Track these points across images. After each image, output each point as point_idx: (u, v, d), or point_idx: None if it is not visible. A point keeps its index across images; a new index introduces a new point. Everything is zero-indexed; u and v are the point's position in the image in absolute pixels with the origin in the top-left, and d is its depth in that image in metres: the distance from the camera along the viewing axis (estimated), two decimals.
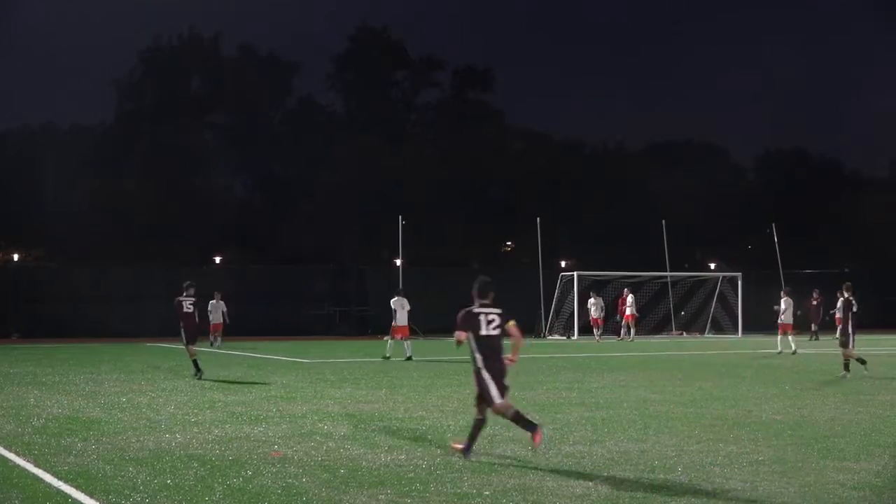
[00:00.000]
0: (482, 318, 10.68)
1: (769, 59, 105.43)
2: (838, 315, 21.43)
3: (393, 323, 28.52)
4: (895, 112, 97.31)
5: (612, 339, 40.41)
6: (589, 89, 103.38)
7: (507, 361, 10.75)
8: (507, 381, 10.67)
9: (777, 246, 45.42)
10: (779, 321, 32.39)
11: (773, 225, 46.28)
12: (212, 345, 33.82)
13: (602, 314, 40.88)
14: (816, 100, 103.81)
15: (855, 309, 21.58)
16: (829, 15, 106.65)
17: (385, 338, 28.94)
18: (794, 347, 30.74)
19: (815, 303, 40.36)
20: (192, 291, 22.05)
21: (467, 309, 10.85)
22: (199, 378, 20.58)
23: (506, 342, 10.75)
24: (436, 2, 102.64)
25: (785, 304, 32.64)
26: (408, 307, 28.62)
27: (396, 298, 28.86)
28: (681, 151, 71.90)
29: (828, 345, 36.08)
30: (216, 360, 27.40)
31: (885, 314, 49.03)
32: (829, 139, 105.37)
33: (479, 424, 10.66)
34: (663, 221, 45.49)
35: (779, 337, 31.91)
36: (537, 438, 10.39)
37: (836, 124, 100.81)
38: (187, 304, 21.97)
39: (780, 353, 30.70)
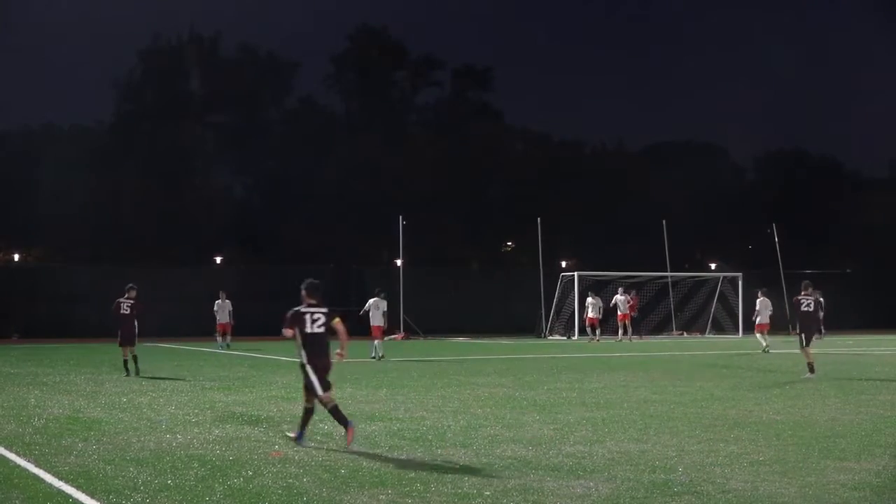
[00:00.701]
0: (308, 316, 11.63)
1: (769, 59, 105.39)
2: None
3: (371, 323, 28.77)
4: (895, 112, 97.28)
5: (611, 340, 40.40)
6: (589, 89, 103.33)
7: (337, 357, 11.76)
8: (331, 377, 11.66)
9: (777, 246, 45.46)
10: (755, 321, 33.21)
11: (774, 225, 46.31)
12: (221, 346, 33.36)
13: (600, 314, 40.80)
14: (816, 100, 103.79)
15: (817, 309, 21.71)
16: (829, 15, 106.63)
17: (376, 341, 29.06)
18: (765, 345, 31.40)
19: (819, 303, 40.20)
20: (132, 294, 22.89)
21: (295, 308, 11.77)
22: (128, 375, 21.80)
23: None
24: (435, 1, 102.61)
25: (760, 304, 33.50)
26: (384, 308, 29.00)
27: (374, 299, 29.18)
28: (681, 151, 71.90)
29: (831, 344, 36.12)
30: (216, 361, 27.42)
31: (886, 314, 49.08)
32: (829, 139, 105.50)
33: (308, 413, 11.59)
34: (664, 221, 45.50)
35: (758, 335, 32.61)
36: (349, 435, 11.26)
37: (836, 124, 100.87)
38: (124, 307, 22.86)
39: (766, 349, 31.18)
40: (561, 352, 32.28)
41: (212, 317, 35.55)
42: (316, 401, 11.49)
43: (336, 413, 11.44)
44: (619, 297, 41.35)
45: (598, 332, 40.44)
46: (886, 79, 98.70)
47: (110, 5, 74.93)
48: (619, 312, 41.43)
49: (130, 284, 23.12)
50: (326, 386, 11.48)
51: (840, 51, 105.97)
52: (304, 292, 11.88)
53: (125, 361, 22.40)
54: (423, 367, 24.85)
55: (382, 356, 27.87)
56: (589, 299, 40.96)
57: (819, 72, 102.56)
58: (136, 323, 22.99)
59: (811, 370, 20.87)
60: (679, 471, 9.77)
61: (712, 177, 67.01)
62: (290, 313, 11.71)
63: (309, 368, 11.53)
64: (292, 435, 11.65)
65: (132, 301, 22.86)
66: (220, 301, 34.86)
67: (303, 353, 11.61)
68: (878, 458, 10.49)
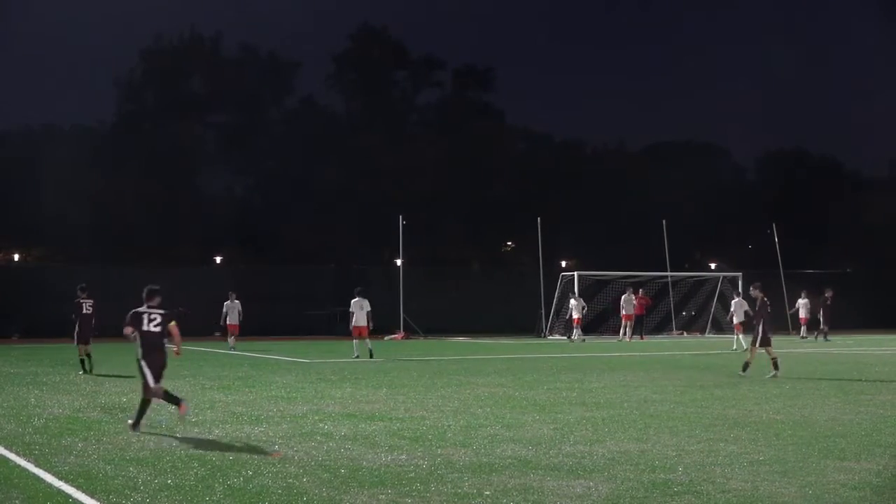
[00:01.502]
0: (145, 317, 12.87)
1: (769, 59, 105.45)
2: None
3: (352, 323, 28.70)
4: (894, 112, 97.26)
5: (592, 339, 40.56)
6: (589, 89, 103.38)
7: (174, 352, 13.16)
8: (165, 372, 13.02)
9: (777, 246, 45.44)
10: (732, 321, 34.10)
11: (774, 225, 46.30)
12: (231, 348, 32.78)
13: (582, 315, 40.63)
14: (816, 100, 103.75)
15: (769, 309, 21.77)
16: (830, 15, 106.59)
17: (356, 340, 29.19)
18: (737, 346, 32.12)
19: (828, 302, 40.17)
20: (87, 293, 23.78)
21: (135, 309, 12.98)
22: (84, 374, 22.35)
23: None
24: (436, 1, 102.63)
25: (736, 305, 34.36)
26: (368, 308, 28.88)
27: (357, 299, 29.06)
28: (681, 151, 71.84)
29: (831, 344, 36.10)
30: (216, 360, 27.42)
31: (886, 314, 49.06)
32: (829, 139, 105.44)
33: (145, 404, 12.74)
34: (664, 221, 45.49)
35: (737, 336, 33.37)
36: (182, 408, 12.85)
37: (836, 124, 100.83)
38: (87, 306, 23.71)
39: (736, 349, 31.83)
40: (561, 352, 32.28)
41: (211, 316, 35.49)
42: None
43: (168, 397, 12.87)
44: (624, 297, 41.35)
45: (579, 331, 40.15)
46: (886, 79, 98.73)
47: (111, 5, 74.96)
48: (623, 312, 41.43)
49: (83, 284, 23.60)
50: (158, 378, 12.82)
51: (840, 51, 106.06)
52: (144, 296, 13.11)
53: (82, 360, 23.15)
54: (423, 366, 24.85)
55: (372, 355, 27.79)
56: (572, 301, 40.76)
57: (819, 72, 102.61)
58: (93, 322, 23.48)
59: (744, 369, 21.02)
60: (679, 470, 9.77)
61: (712, 177, 67.03)
62: (130, 313, 12.90)
63: (143, 363, 12.81)
64: (130, 422, 12.71)
65: (92, 301, 23.71)
66: (229, 302, 34.17)
67: (139, 349, 12.86)
68: (879, 458, 10.48)
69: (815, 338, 39.52)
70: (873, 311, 49.21)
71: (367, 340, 28.55)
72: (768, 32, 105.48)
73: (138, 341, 12.72)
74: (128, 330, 12.76)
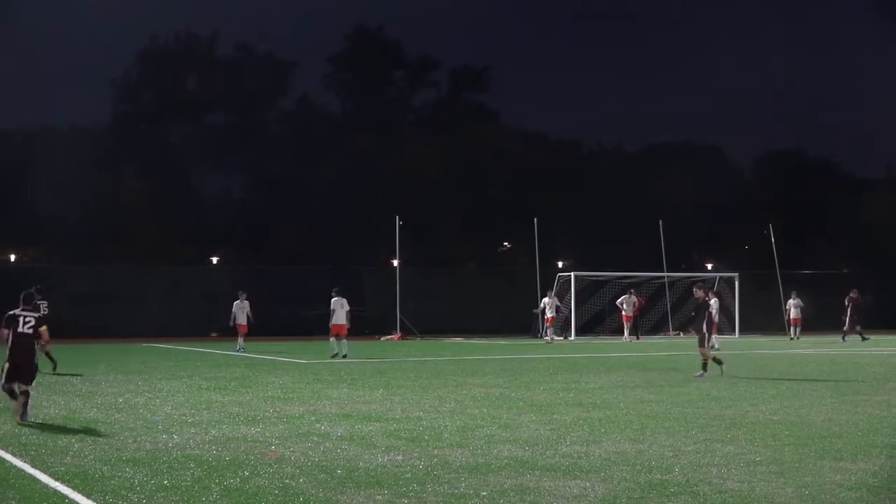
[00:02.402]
0: (21, 319, 13.87)
1: (767, 59, 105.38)
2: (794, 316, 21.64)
3: (331, 322, 28.79)
4: (891, 113, 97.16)
5: (566, 340, 40.71)
6: (586, 89, 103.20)
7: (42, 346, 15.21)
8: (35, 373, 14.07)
9: (774, 246, 45.46)
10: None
11: (771, 225, 46.32)
12: (240, 349, 31.98)
13: (554, 314, 40.32)
14: (814, 100, 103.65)
15: (711, 310, 22.06)
16: (827, 15, 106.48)
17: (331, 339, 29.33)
18: (716, 345, 31.86)
19: (853, 302, 39.32)
20: (44, 295, 22.87)
21: (11, 311, 14.01)
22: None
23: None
24: (432, 2, 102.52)
25: (713, 305, 34.18)
26: (347, 307, 28.98)
27: (336, 298, 29.14)
28: (678, 152, 71.85)
29: (826, 345, 36.14)
30: (213, 361, 27.40)
31: (883, 314, 49.07)
32: (826, 140, 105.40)
33: (25, 396, 13.58)
34: (660, 222, 45.49)
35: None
36: (19, 419, 13.43)
37: (833, 125, 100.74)
38: (43, 307, 23.46)
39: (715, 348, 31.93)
40: (557, 352, 32.29)
41: (207, 316, 35.37)
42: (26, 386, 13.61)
43: (11, 395, 13.78)
44: (625, 298, 41.31)
45: (552, 331, 39.89)
46: (884, 80, 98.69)
47: (107, 5, 74.80)
48: (623, 313, 41.41)
49: (39, 286, 21.97)
50: (10, 378, 13.62)
51: (838, 52, 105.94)
52: (20, 299, 14.26)
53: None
54: (419, 367, 24.85)
55: (346, 355, 27.93)
56: (546, 299, 40.49)
57: (816, 72, 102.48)
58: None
59: (704, 369, 21.01)
60: (675, 471, 9.78)
61: (710, 177, 66.97)
62: (6, 315, 13.97)
63: (7, 363, 13.71)
64: (18, 419, 13.50)
65: (46, 301, 23.28)
66: (238, 302, 33.03)
67: (7, 350, 13.81)
68: (875, 459, 10.50)
69: (843, 339, 38.79)
70: (869, 312, 49.23)
71: (345, 341, 28.65)
72: (766, 33, 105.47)
73: (10, 341, 13.75)
74: (4, 331, 13.83)
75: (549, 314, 40.09)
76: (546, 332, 39.81)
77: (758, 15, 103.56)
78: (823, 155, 78.78)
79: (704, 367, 20.98)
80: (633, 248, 54.47)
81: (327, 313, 29.12)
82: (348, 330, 29.08)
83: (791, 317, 42.03)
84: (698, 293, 22.13)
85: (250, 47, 67.98)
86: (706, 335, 21.34)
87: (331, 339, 28.87)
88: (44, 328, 14.00)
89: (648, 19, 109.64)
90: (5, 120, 73.38)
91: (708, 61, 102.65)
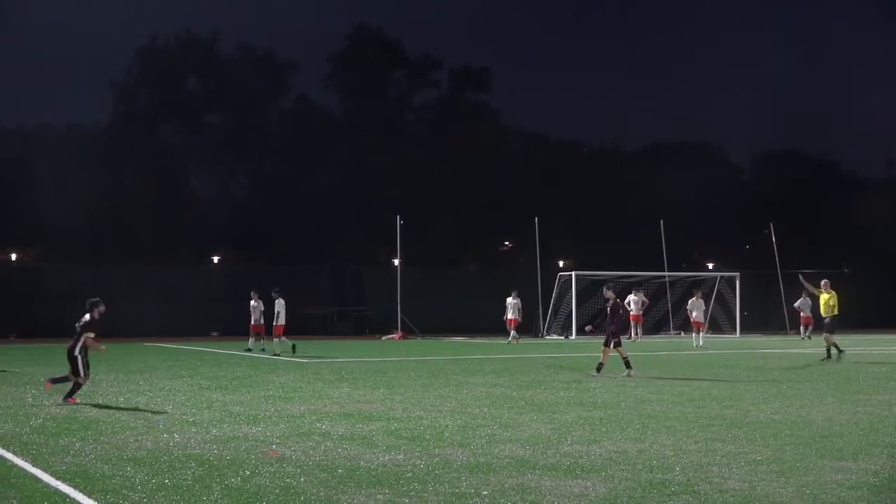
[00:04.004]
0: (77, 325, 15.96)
1: (767, 59, 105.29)
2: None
3: (275, 322, 30.03)
4: (891, 112, 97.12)
5: (566, 339, 40.81)
6: (587, 89, 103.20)
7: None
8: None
9: (775, 246, 45.46)
10: (692, 319, 36.04)
11: (772, 225, 46.32)
12: (253, 349, 31.58)
13: (518, 316, 39.55)
14: (814, 99, 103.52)
15: (622, 311, 22.28)
16: (828, 14, 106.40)
17: (280, 339, 30.09)
18: (701, 343, 34.33)
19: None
20: None
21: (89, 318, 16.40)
22: None
23: None
24: (432, 1, 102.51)
25: (692, 304, 36.33)
26: (262, 308, 30.57)
27: (280, 300, 30.34)
28: (678, 151, 71.72)
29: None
30: (214, 360, 27.41)
31: (884, 314, 49.09)
32: (827, 139, 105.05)
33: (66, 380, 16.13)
34: (661, 221, 45.50)
35: (694, 334, 35.55)
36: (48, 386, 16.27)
37: (833, 124, 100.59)
38: None
39: (699, 347, 33.84)
40: (559, 351, 32.29)
41: (207, 316, 35.32)
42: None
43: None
44: (631, 298, 41.29)
45: (514, 333, 39.43)
46: (884, 79, 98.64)
47: (107, 5, 74.79)
48: (631, 313, 41.39)
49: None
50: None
51: (838, 50, 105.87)
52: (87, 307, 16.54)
53: None
54: (420, 366, 24.85)
55: (279, 354, 28.93)
56: (509, 300, 39.87)
57: (816, 71, 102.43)
58: None
59: (598, 370, 21.29)
60: (676, 470, 9.78)
61: (710, 177, 66.90)
62: (87, 322, 16.30)
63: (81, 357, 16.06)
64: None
65: None
66: (253, 302, 32.31)
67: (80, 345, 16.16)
68: (876, 458, 10.50)
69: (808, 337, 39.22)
70: (870, 311, 49.27)
71: (282, 338, 29.94)
72: (766, 32, 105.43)
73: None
74: (92, 337, 16.50)
75: (510, 315, 39.52)
76: (511, 334, 39.06)
77: (758, 14, 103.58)
78: (824, 154, 78.84)
79: (627, 363, 21.31)
80: (633, 247, 54.44)
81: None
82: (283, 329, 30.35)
83: (803, 314, 41.82)
84: (608, 293, 22.11)
85: (250, 47, 67.98)
86: (611, 336, 21.36)
87: (276, 339, 30.09)
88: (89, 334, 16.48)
89: (647, 19, 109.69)
90: (4, 120, 73.32)
91: (708, 60, 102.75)
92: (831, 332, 26.52)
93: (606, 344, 21.48)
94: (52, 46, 75.68)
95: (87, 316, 16.82)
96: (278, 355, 28.97)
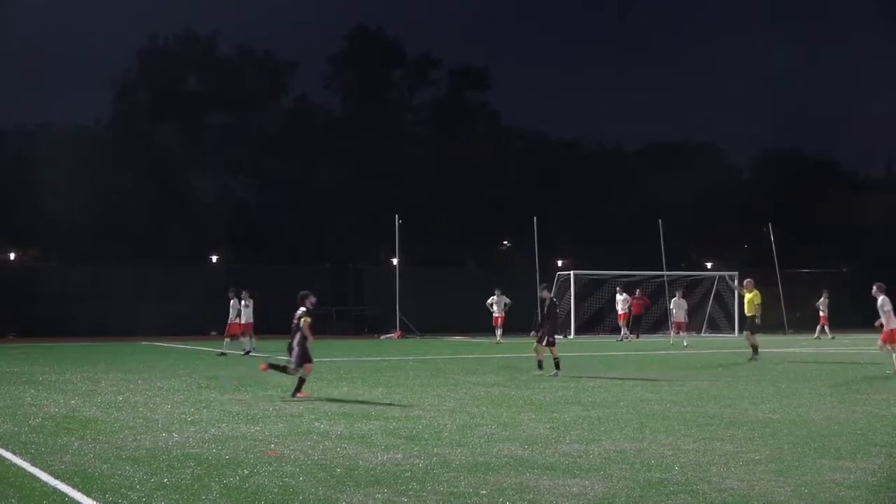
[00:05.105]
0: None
1: (767, 59, 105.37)
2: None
3: (238, 321, 30.49)
4: (890, 112, 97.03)
5: (565, 338, 40.60)
6: (586, 89, 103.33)
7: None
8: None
9: (773, 246, 45.44)
10: (673, 319, 36.97)
11: (770, 225, 46.29)
12: (251, 348, 30.50)
13: (502, 313, 39.39)
14: (814, 100, 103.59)
15: (557, 310, 22.76)
16: (827, 15, 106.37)
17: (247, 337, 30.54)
18: (685, 343, 35.10)
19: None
20: None
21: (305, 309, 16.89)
22: None
23: None
24: (432, 1, 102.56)
25: (674, 304, 37.26)
26: (244, 306, 30.61)
27: (237, 300, 30.71)
28: (678, 151, 71.71)
29: (826, 344, 36.14)
30: (212, 360, 27.41)
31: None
32: (826, 139, 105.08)
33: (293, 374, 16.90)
34: (660, 221, 45.45)
35: (673, 333, 36.59)
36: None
37: (833, 124, 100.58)
38: None
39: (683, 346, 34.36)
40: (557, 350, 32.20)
41: (206, 315, 35.11)
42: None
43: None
44: (618, 297, 41.44)
45: (500, 331, 39.09)
46: (883, 80, 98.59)
47: (108, 4, 74.80)
48: (618, 312, 41.50)
49: None
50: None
51: (837, 51, 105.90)
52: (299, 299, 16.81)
53: None
54: (419, 365, 24.87)
55: (249, 351, 29.57)
56: (493, 297, 39.66)
57: (815, 71, 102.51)
58: None
59: (539, 366, 21.89)
60: (675, 469, 9.78)
61: (709, 177, 66.91)
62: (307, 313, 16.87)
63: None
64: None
65: None
66: (244, 301, 31.35)
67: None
68: (875, 457, 10.50)
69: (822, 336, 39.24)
70: (869, 311, 49.10)
71: (251, 337, 30.53)
72: (765, 32, 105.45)
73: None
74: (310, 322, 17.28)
75: (496, 313, 39.29)
76: (497, 332, 38.88)
77: (757, 14, 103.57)
78: (823, 154, 78.85)
79: (557, 364, 21.62)
80: (632, 247, 54.41)
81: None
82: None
83: (822, 314, 41.93)
84: (543, 294, 22.13)
85: (250, 47, 67.93)
86: (546, 334, 21.72)
87: (244, 338, 30.54)
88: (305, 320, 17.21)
89: (647, 19, 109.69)
90: (4, 119, 73.28)
91: (707, 60, 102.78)
92: (753, 331, 26.63)
93: (540, 341, 21.56)
94: (51, 46, 75.73)
95: (302, 308, 17.48)
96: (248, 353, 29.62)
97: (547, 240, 46.57)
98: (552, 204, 60.40)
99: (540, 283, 22.45)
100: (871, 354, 28.89)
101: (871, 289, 23.58)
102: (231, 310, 31.26)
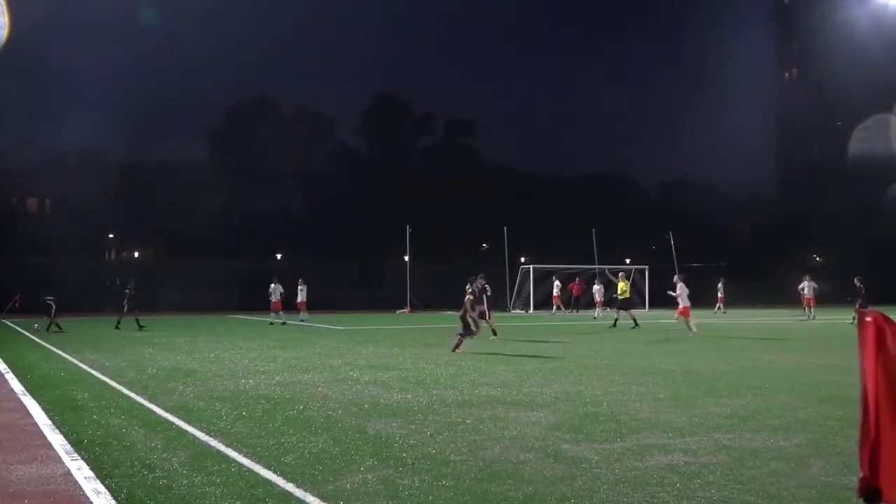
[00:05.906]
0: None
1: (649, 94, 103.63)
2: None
3: (275, 298, 29.77)
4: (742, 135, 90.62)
5: (526, 313, 40.58)
6: (545, 130, 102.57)
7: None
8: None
9: (673, 247, 45.40)
10: (595, 299, 36.07)
11: (671, 232, 46.25)
12: (273, 320, 30.05)
13: (485, 300, 38.86)
14: (691, 130, 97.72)
15: (489, 293, 21.92)
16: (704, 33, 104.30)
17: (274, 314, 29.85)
18: (596, 315, 34.08)
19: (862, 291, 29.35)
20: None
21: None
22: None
23: None
24: (432, 70, 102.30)
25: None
26: (281, 289, 29.82)
27: (274, 285, 29.97)
28: (604, 179, 72.15)
29: (719, 317, 36.07)
30: (276, 328, 27.32)
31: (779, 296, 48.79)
32: (705, 165, 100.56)
33: (459, 337, 16.77)
34: (593, 230, 45.45)
35: (598, 310, 35.38)
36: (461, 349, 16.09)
37: (708, 151, 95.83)
38: None
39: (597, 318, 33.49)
40: (521, 321, 32.25)
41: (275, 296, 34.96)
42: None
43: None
44: (555, 283, 41.63)
45: (479, 315, 38.63)
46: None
47: (199, 70, 74.38)
48: (553, 294, 41.63)
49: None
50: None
51: (690, 70, 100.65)
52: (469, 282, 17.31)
53: None
54: (423, 332, 24.85)
55: (285, 322, 28.75)
56: (474, 285, 39.17)
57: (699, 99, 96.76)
58: None
59: (494, 333, 21.09)
60: (604, 405, 9.76)
61: (627, 198, 66.86)
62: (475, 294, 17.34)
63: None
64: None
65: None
66: (273, 285, 30.82)
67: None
68: (744, 396, 10.49)
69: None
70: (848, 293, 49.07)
71: (280, 312, 29.53)
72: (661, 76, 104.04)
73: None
74: (471, 300, 17.50)
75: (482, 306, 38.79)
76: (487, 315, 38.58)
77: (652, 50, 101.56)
78: (705, 180, 78.31)
79: (494, 332, 21.12)
80: (574, 247, 54.30)
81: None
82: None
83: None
84: (480, 283, 21.68)
85: (304, 106, 67.98)
86: (485, 312, 21.33)
87: (274, 312, 29.67)
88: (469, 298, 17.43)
89: (594, 73, 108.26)
90: (139, 156, 72.48)
91: (629, 102, 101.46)
92: (625, 308, 26.67)
93: (481, 317, 21.07)
94: (168, 99, 74.69)
95: (470, 287, 18.32)
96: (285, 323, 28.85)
97: (514, 242, 46.53)
98: (518, 218, 60.25)
99: (479, 275, 21.70)
100: (750, 323, 28.87)
101: (673, 277, 23.21)
102: (273, 292, 30.05)
